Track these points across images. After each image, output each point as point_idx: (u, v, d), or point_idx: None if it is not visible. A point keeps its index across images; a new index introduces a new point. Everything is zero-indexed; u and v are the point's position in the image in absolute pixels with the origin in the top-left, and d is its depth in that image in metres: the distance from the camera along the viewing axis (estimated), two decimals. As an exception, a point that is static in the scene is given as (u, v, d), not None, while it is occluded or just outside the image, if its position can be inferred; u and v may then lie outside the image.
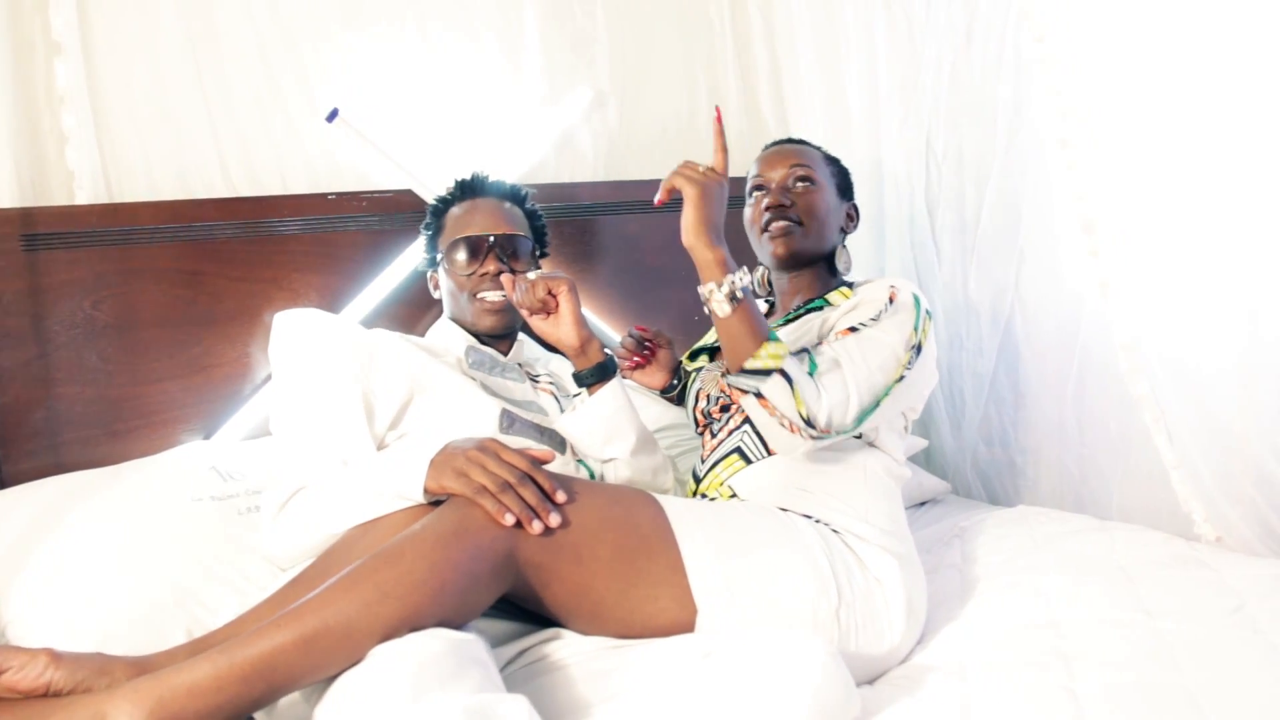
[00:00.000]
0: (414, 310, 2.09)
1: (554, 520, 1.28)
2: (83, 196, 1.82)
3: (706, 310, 1.42)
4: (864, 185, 2.23)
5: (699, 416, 1.72)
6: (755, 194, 1.71)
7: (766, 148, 1.76)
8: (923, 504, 2.15)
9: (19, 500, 1.63)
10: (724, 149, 1.47)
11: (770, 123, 2.50)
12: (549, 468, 1.49)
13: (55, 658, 1.12)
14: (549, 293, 1.63)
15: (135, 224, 1.84)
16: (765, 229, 1.67)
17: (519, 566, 1.27)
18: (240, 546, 1.55)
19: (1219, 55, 1.51)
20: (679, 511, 1.38)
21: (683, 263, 1.45)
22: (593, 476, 1.67)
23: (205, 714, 1.07)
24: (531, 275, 1.64)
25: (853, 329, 1.50)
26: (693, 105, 2.49)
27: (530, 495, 1.28)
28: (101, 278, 1.81)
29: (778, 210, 1.65)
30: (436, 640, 1.13)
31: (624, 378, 1.98)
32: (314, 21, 2.02)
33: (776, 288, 1.76)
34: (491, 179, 1.84)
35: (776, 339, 1.41)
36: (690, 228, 1.41)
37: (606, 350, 1.68)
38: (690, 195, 1.41)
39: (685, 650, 1.26)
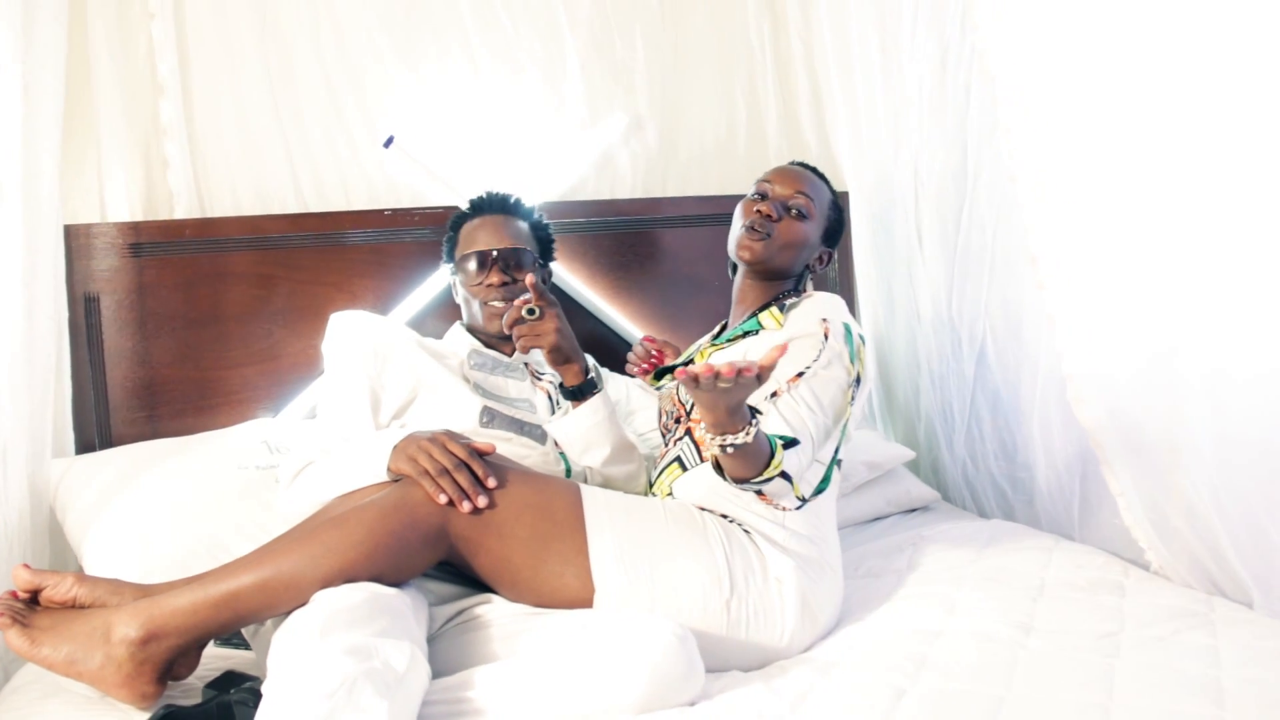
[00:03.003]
0: (455, 311, 2.36)
1: (481, 502, 1.51)
2: (180, 212, 2.22)
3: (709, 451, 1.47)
4: (875, 203, 2.36)
5: (661, 430, 1.92)
6: (755, 195, 1.83)
7: (792, 163, 1.90)
8: (912, 511, 2.26)
9: (113, 459, 2.02)
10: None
11: (812, 144, 2.65)
12: (529, 457, 1.79)
13: (80, 579, 1.46)
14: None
15: (221, 235, 2.22)
16: (746, 226, 1.79)
17: (451, 539, 1.52)
18: (268, 508, 1.88)
19: (1159, 100, 1.56)
20: (594, 502, 1.60)
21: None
22: (569, 469, 1.90)
23: (183, 630, 1.40)
24: (517, 301, 1.81)
25: (800, 374, 1.62)
26: (731, 126, 2.66)
27: (463, 480, 1.52)
28: (193, 279, 2.19)
29: (764, 219, 1.78)
30: (360, 591, 1.40)
31: (637, 378, 2.20)
32: (375, 59, 2.34)
33: (735, 282, 1.89)
34: (507, 197, 2.07)
35: (775, 448, 1.47)
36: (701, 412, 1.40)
37: (590, 373, 1.88)
38: (702, 401, 1.37)
39: (573, 622, 1.48)
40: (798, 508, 1.60)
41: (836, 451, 1.72)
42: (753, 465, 1.46)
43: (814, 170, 1.88)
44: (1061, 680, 1.36)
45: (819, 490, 1.67)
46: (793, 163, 1.91)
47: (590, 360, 2.13)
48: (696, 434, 1.72)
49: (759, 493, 1.55)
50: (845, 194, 2.60)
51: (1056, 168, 1.70)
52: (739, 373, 1.26)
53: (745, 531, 1.62)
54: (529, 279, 1.79)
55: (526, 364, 2.05)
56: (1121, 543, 1.85)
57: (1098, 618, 1.56)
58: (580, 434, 1.86)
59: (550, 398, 2.02)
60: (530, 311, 1.78)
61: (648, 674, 1.33)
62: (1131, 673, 1.36)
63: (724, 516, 1.64)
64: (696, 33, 2.62)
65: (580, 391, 1.87)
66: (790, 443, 1.52)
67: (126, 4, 2.15)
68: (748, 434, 1.40)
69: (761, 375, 1.29)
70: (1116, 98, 1.61)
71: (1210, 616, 1.54)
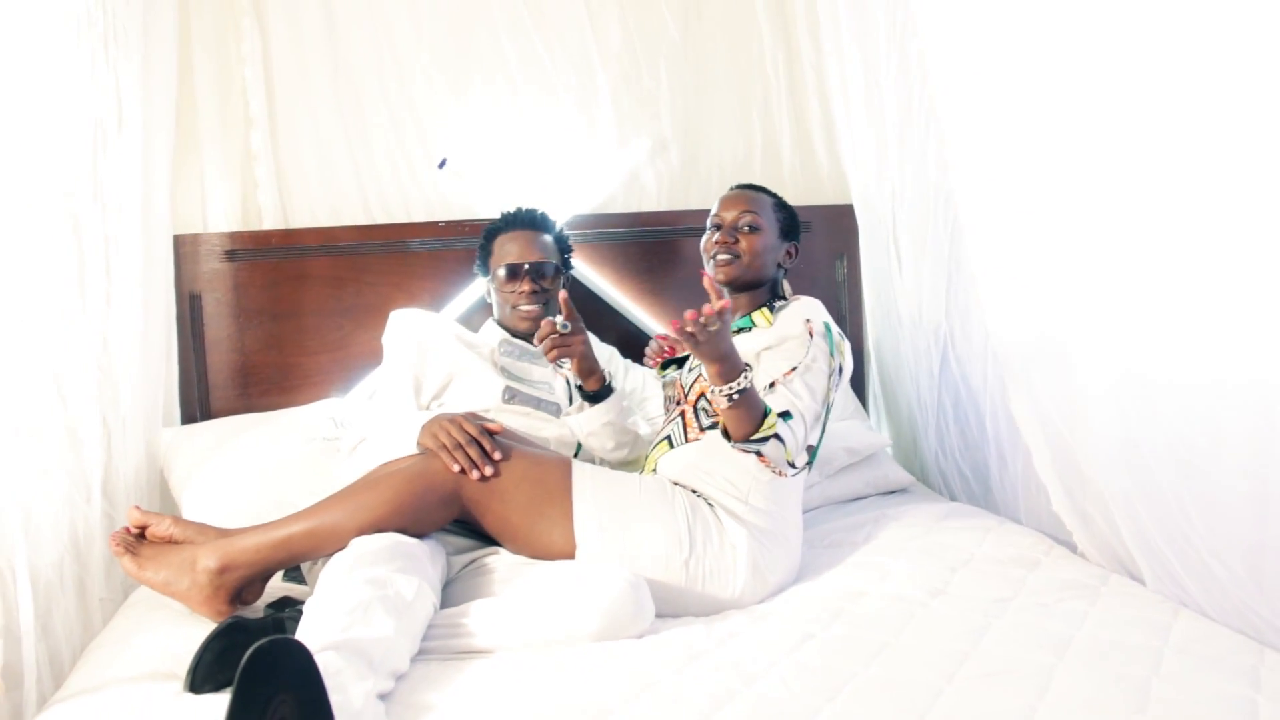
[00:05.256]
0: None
1: (488, 472, 1.86)
2: (267, 224, 2.65)
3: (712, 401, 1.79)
4: (870, 217, 2.63)
5: (665, 411, 2.24)
6: (711, 228, 2.16)
7: (731, 189, 2.21)
8: (890, 493, 2.51)
9: (209, 429, 2.46)
10: (716, 291, 1.76)
11: (824, 162, 2.93)
12: (545, 429, 2.18)
13: (176, 521, 1.86)
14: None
15: (301, 243, 2.64)
16: (713, 258, 2.13)
17: (462, 501, 1.87)
18: (328, 472, 2.27)
19: (1074, 147, 1.79)
20: (582, 475, 1.93)
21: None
22: (580, 444, 2.25)
23: (250, 564, 1.78)
24: (545, 320, 2.09)
25: (794, 368, 1.93)
26: (749, 147, 2.97)
27: (474, 453, 1.87)
28: (277, 281, 2.62)
29: (723, 246, 2.11)
30: (385, 539, 1.75)
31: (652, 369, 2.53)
32: (431, 93, 2.74)
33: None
34: (534, 213, 2.41)
35: (769, 411, 1.81)
36: (704, 364, 1.75)
37: (611, 383, 2.23)
38: (701, 351, 1.71)
39: (554, 570, 1.82)
40: (794, 474, 1.88)
41: (820, 436, 2.01)
42: (750, 419, 1.78)
43: (751, 186, 2.18)
44: (942, 633, 1.61)
45: (809, 463, 1.94)
46: (732, 188, 2.20)
47: (613, 352, 2.50)
48: (699, 403, 2.02)
49: (759, 454, 1.82)
50: (851, 206, 2.87)
51: (993, 199, 1.95)
52: (717, 313, 1.66)
53: (710, 505, 1.93)
54: (563, 296, 2.12)
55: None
56: (1057, 525, 2.08)
57: (1000, 586, 1.80)
58: (590, 429, 2.22)
59: (568, 382, 2.36)
60: (564, 327, 2.07)
61: (602, 611, 1.66)
62: (1003, 630, 1.60)
63: (694, 491, 1.96)
64: (716, 63, 2.93)
65: (597, 396, 2.21)
66: (784, 415, 1.83)
67: (224, 51, 2.60)
68: (746, 378, 1.74)
69: (723, 311, 1.68)
70: (1039, 143, 1.85)
71: (1100, 590, 1.77)
